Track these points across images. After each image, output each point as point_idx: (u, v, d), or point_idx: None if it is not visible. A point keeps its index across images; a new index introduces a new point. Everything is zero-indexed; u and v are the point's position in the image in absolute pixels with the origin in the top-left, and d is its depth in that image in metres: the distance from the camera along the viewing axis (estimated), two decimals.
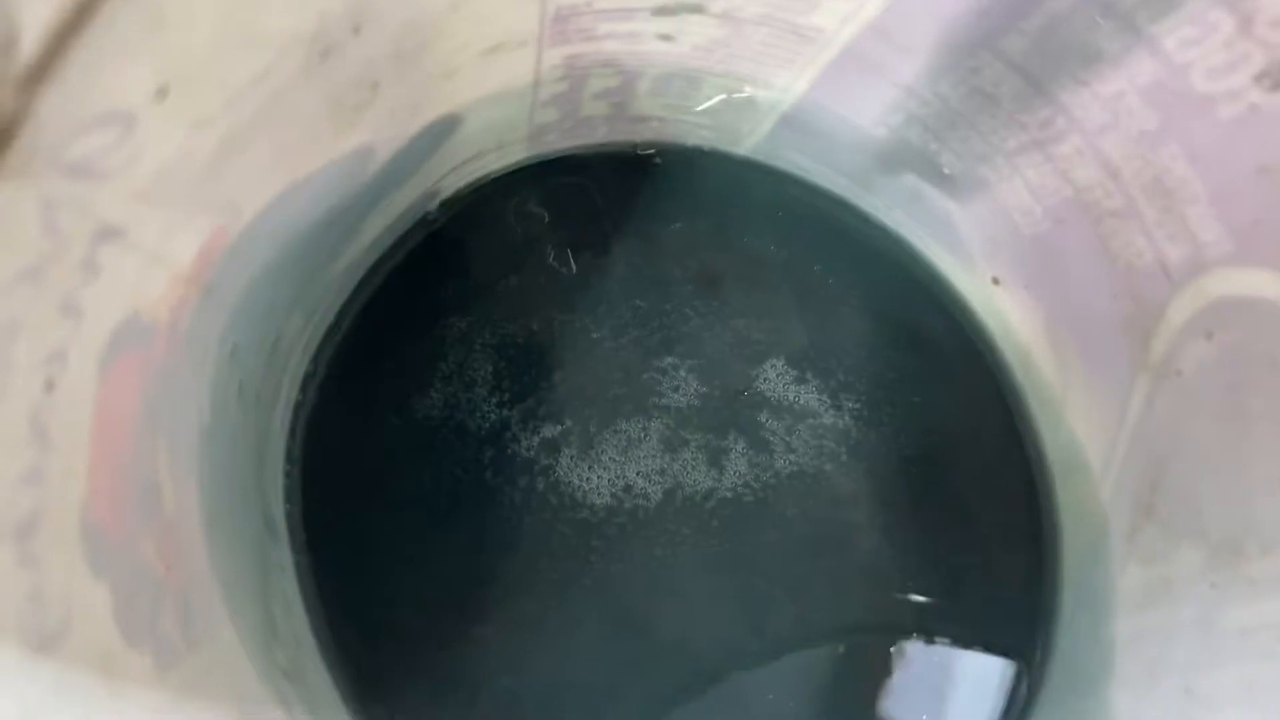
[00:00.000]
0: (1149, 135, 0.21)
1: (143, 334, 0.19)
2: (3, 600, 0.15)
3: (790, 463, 0.28)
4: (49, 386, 0.16)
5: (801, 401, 0.29)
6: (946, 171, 0.27)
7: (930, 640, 0.27)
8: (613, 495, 0.28)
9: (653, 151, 0.32)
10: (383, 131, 0.23)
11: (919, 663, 0.27)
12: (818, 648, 0.27)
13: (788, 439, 0.29)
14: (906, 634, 0.27)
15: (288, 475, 0.27)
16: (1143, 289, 0.23)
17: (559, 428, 0.28)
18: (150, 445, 0.20)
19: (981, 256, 0.28)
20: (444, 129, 0.27)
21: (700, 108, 0.30)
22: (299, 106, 0.20)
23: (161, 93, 0.16)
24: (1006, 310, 0.29)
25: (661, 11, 0.24)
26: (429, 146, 0.27)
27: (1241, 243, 0.20)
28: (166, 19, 0.15)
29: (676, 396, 0.29)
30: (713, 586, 0.27)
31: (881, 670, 0.27)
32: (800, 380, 0.29)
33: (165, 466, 0.21)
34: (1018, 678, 0.27)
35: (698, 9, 0.24)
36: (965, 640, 0.27)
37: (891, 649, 0.27)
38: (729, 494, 0.28)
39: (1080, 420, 0.26)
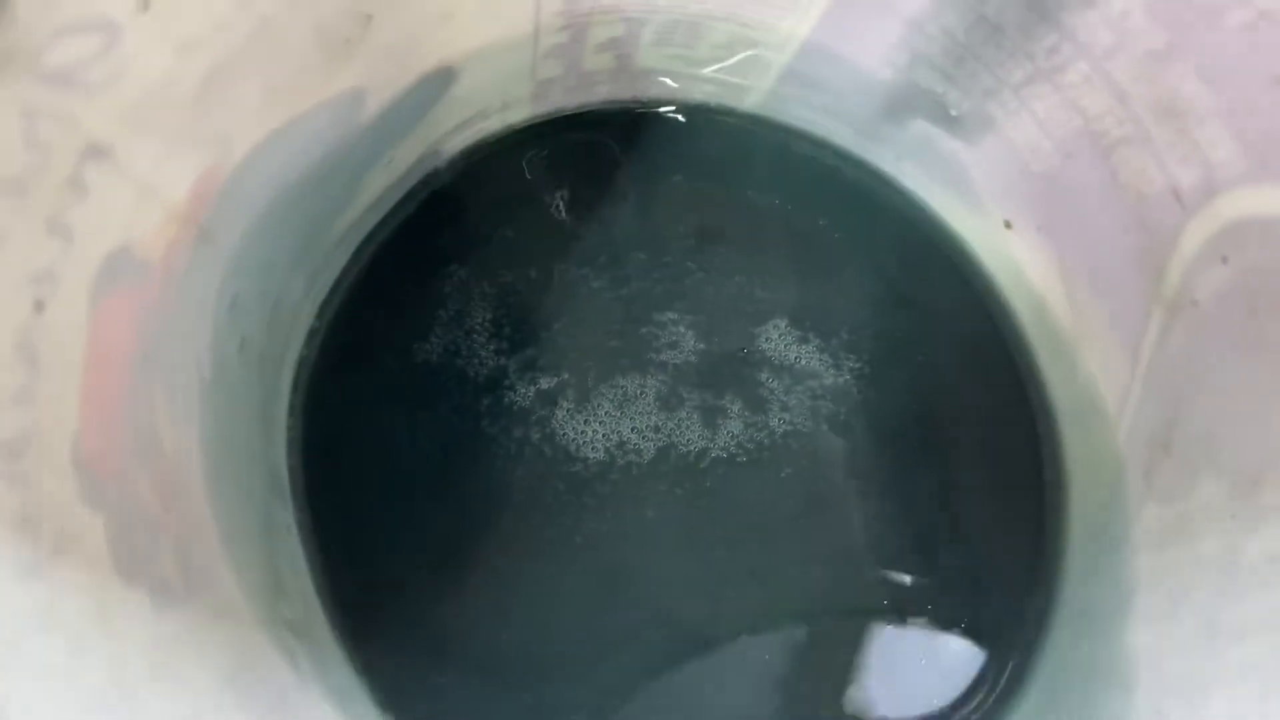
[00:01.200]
0: (1157, 54, 0.21)
1: (136, 269, 0.19)
2: None
3: (788, 423, 0.28)
4: (38, 307, 0.16)
5: (803, 361, 0.29)
6: (954, 113, 0.26)
7: (928, 595, 0.27)
8: (607, 450, 0.27)
9: (657, 109, 0.32)
10: (375, 74, 0.23)
11: (907, 633, 0.27)
12: (816, 609, 0.27)
13: (786, 399, 0.28)
14: (906, 586, 0.27)
15: (290, 430, 0.27)
16: (1155, 218, 0.23)
17: (556, 379, 0.28)
18: (146, 386, 0.20)
19: (993, 200, 0.28)
20: (441, 81, 0.26)
21: (706, 71, 0.30)
22: (288, 36, 0.19)
23: (145, 3, 0.15)
24: (1019, 256, 0.28)
25: None
26: (426, 99, 0.27)
27: (1255, 159, 0.20)
28: None
29: (674, 353, 0.29)
30: (705, 546, 0.27)
31: (877, 631, 0.27)
32: (802, 339, 0.29)
33: (163, 411, 0.21)
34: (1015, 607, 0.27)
35: None
36: (965, 592, 0.27)
37: (886, 610, 0.27)
38: (723, 454, 0.28)
39: (1095, 364, 0.26)
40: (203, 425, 0.23)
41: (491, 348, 0.29)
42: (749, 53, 0.28)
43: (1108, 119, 0.23)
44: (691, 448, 0.28)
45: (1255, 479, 0.21)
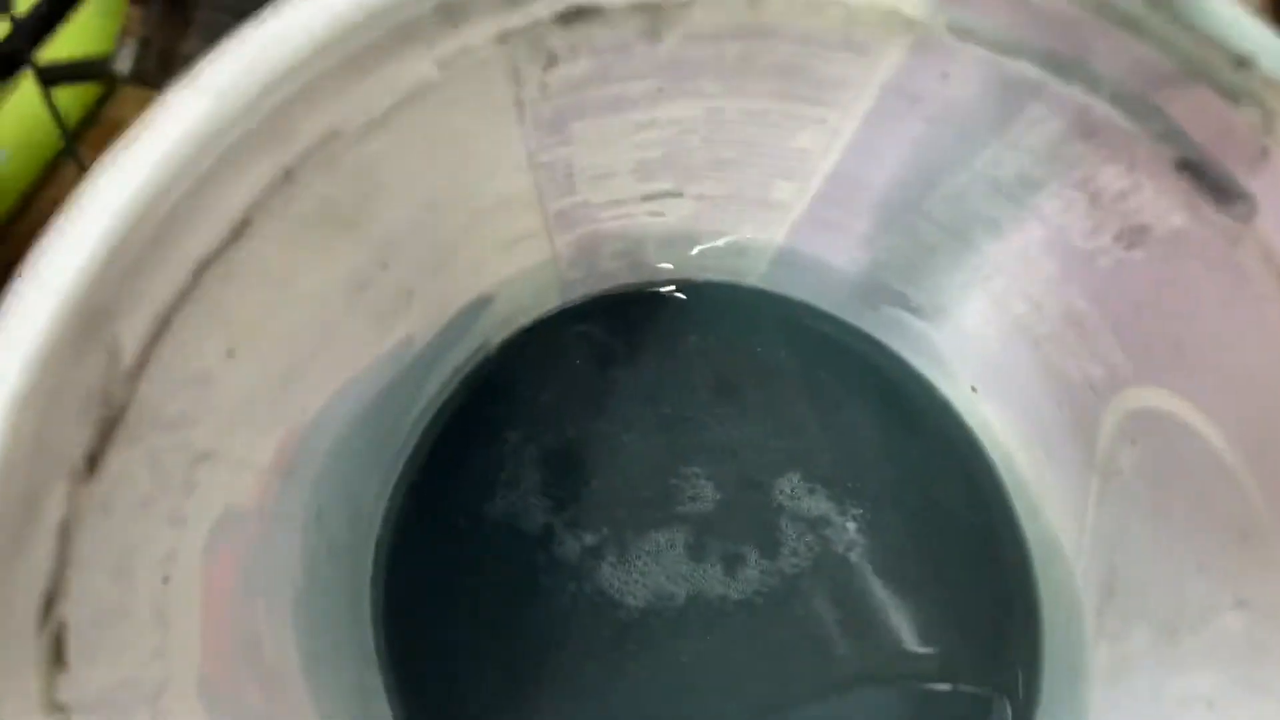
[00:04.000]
0: (1054, 279, 0.25)
1: (237, 521, 0.24)
2: None
3: (801, 563, 0.32)
4: (165, 580, 0.21)
5: (813, 504, 0.33)
6: (913, 304, 0.30)
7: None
8: (647, 598, 0.32)
9: (671, 288, 0.37)
10: (419, 323, 0.28)
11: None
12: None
13: (798, 543, 0.32)
14: (896, 712, 0.31)
15: (373, 604, 0.32)
16: (1079, 400, 0.26)
17: (599, 536, 0.33)
18: (250, 607, 0.25)
19: (960, 368, 0.32)
20: (479, 306, 0.31)
21: (697, 250, 0.35)
22: (345, 329, 0.24)
23: (231, 353, 0.21)
24: (987, 415, 0.32)
25: (646, 199, 0.29)
26: (468, 322, 0.32)
27: (1139, 366, 0.24)
28: (227, 308, 0.19)
29: (697, 504, 0.33)
30: (735, 681, 0.31)
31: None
32: (811, 489, 0.33)
33: (264, 622, 0.26)
34: None
35: (677, 194, 0.29)
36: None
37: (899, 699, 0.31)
38: (748, 594, 0.32)
39: (1054, 514, 0.30)
40: (296, 625, 0.28)
41: (541, 507, 0.34)
42: (739, 245, 0.33)
43: (1030, 318, 0.27)
44: (717, 593, 0.32)
45: (1172, 629, 0.24)
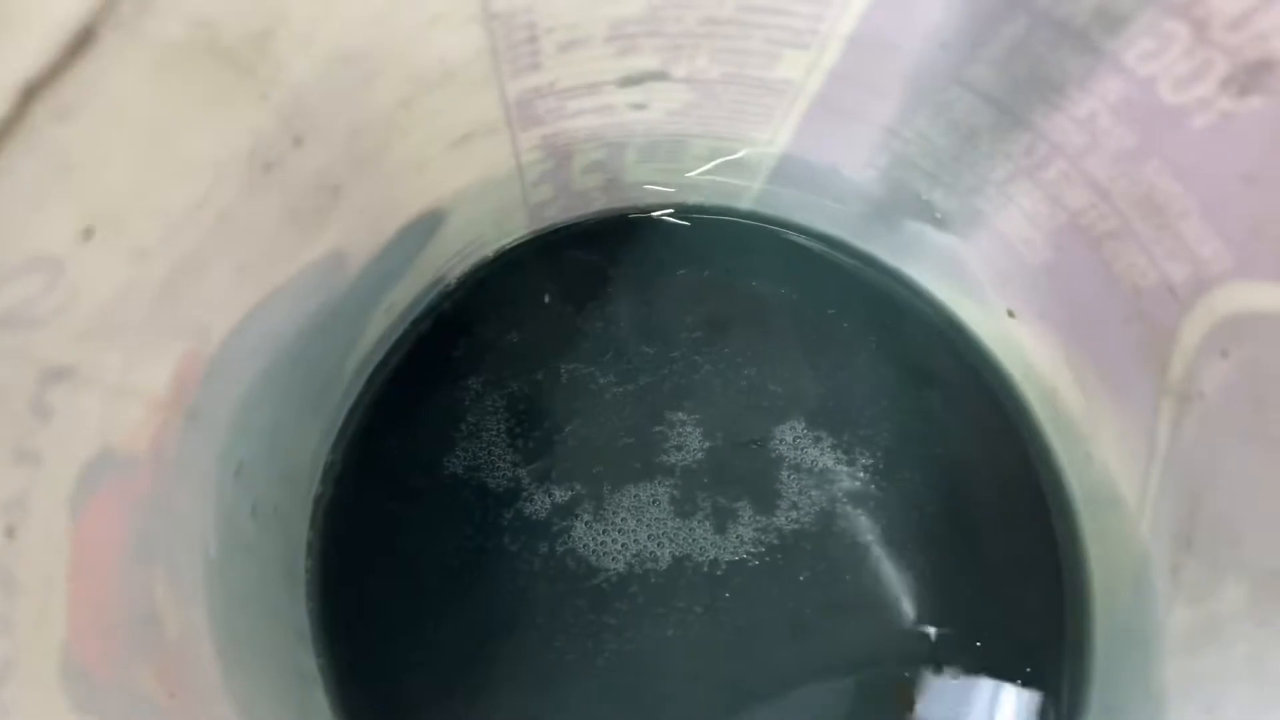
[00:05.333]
0: (1129, 153, 0.20)
1: (120, 466, 0.19)
2: None
3: (804, 521, 0.27)
4: (9, 533, 0.16)
5: (815, 458, 0.28)
6: (940, 215, 0.26)
7: (954, 673, 0.26)
8: (627, 560, 0.27)
9: (653, 213, 0.32)
10: (353, 234, 0.23)
11: (941, 694, 0.26)
12: (834, 706, 0.26)
13: (799, 498, 0.28)
14: (927, 688, 0.26)
15: (309, 572, 0.27)
16: (1152, 311, 0.22)
17: (572, 491, 0.28)
18: (144, 575, 0.20)
19: (993, 290, 0.27)
20: (428, 224, 0.27)
21: (692, 173, 0.30)
22: (252, 222, 0.20)
23: (87, 233, 0.16)
24: (1025, 344, 0.27)
25: (626, 82, 0.24)
26: (415, 243, 0.27)
27: (1241, 256, 0.19)
28: (74, 162, 0.15)
29: (684, 454, 0.28)
30: (727, 650, 0.26)
31: (903, 707, 0.26)
32: (815, 437, 0.29)
33: (165, 595, 0.21)
34: (1044, 712, 0.26)
35: (662, 76, 0.24)
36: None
37: (910, 680, 0.26)
38: (741, 555, 0.27)
39: (1111, 453, 0.25)
40: (211, 598, 0.23)
41: (509, 459, 0.29)
42: (733, 158, 0.28)
43: (1092, 213, 0.22)
44: (707, 555, 0.27)
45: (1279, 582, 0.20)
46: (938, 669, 0.26)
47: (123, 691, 0.19)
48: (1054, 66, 0.20)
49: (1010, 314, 0.27)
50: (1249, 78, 0.17)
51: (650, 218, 0.32)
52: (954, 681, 0.26)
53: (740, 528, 0.27)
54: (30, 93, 0.13)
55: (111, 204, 0.16)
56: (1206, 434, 0.22)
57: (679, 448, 0.29)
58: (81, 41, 0.13)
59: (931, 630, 0.26)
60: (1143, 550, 0.24)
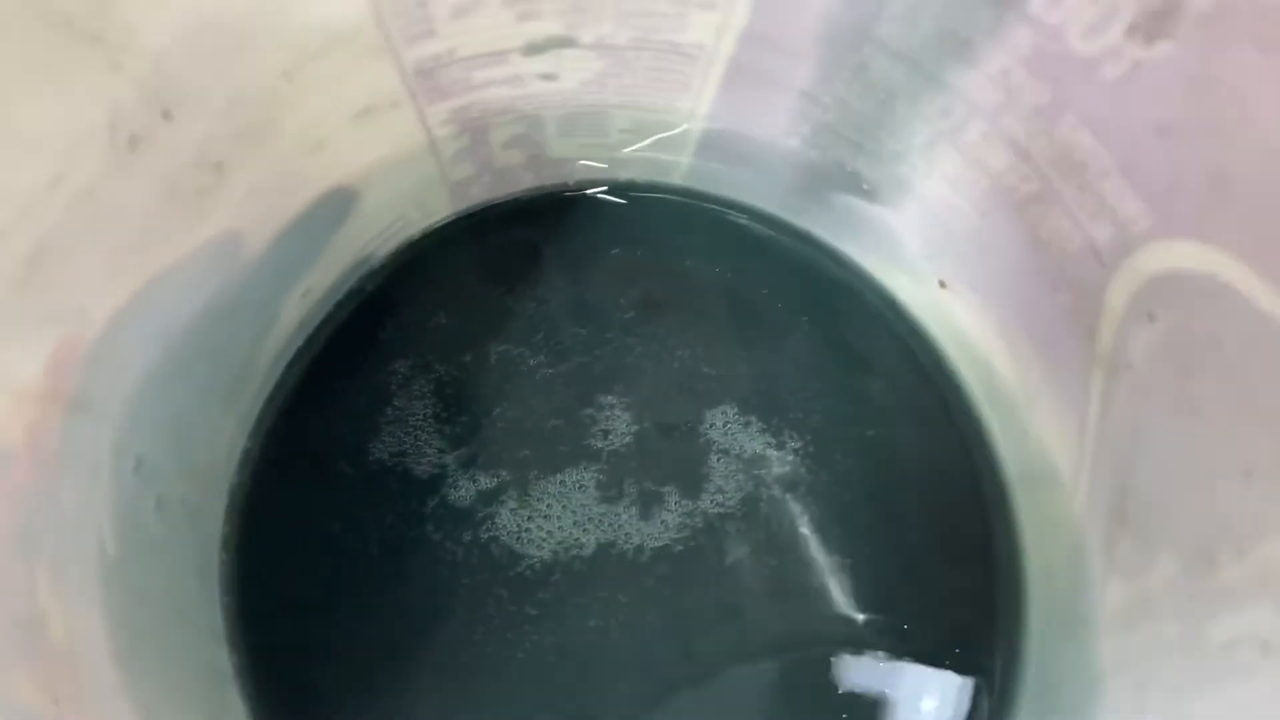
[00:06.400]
0: (1045, 108, 0.19)
1: None
2: None
3: (730, 505, 0.27)
4: None
5: (745, 442, 0.27)
6: (867, 186, 0.25)
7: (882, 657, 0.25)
8: (552, 548, 0.26)
9: (584, 191, 0.31)
10: (246, 214, 0.22)
11: (868, 678, 0.25)
12: (763, 705, 0.25)
13: (727, 482, 0.27)
14: (860, 670, 0.25)
15: (223, 566, 0.26)
16: (1079, 275, 0.21)
17: (498, 479, 0.27)
18: (25, 574, 0.19)
19: (924, 260, 0.26)
20: (338, 204, 0.26)
21: (620, 153, 0.29)
22: (122, 200, 0.19)
23: None
24: (959, 318, 0.26)
25: (531, 50, 0.23)
26: (326, 224, 0.26)
27: (1161, 213, 0.18)
28: None
29: (612, 439, 0.27)
30: (647, 639, 0.25)
31: (831, 691, 0.25)
32: (744, 421, 0.28)
33: (49, 596, 0.20)
34: (977, 693, 0.25)
35: (569, 42, 0.23)
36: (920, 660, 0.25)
37: (837, 664, 0.25)
38: (666, 540, 0.26)
39: (1047, 429, 0.24)
40: (108, 599, 0.22)
41: (435, 445, 0.28)
42: (659, 135, 0.27)
43: (1013, 175, 0.21)
44: (632, 541, 0.26)
45: (1210, 555, 0.19)
46: (863, 653, 0.25)
47: None
48: (961, 18, 0.19)
49: (942, 284, 0.26)
50: (1154, 24, 0.16)
51: (583, 195, 0.31)
52: (880, 665, 0.25)
53: (666, 513, 0.26)
54: None
55: None
56: (1135, 405, 0.21)
57: (607, 432, 0.28)
58: None
59: (860, 615, 0.26)
60: (1078, 527, 0.23)
